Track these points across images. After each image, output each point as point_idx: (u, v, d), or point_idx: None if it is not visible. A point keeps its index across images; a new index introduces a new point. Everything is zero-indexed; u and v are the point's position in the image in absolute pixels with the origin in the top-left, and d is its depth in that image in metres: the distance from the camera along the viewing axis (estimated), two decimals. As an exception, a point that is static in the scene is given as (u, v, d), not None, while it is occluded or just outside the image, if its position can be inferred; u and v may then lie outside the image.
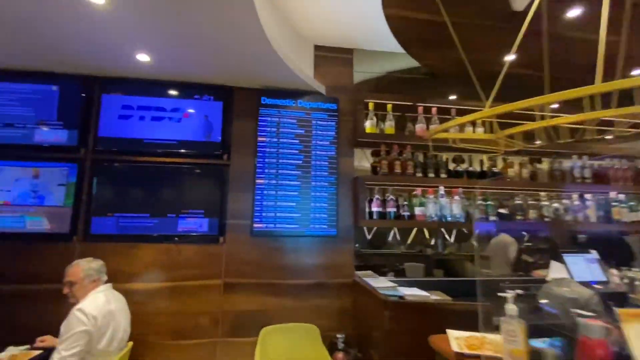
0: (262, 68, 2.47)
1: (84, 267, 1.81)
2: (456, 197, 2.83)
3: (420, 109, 2.89)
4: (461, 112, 2.88)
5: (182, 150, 2.63)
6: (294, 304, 2.63)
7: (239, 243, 2.63)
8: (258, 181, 2.65)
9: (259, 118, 2.72)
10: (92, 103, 2.61)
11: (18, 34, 2.09)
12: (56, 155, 2.51)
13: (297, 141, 2.75)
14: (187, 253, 2.57)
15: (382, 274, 3.25)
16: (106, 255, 2.47)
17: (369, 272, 3.18)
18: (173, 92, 2.69)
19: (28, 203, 2.42)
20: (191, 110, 2.68)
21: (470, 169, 3.02)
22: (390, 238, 4.90)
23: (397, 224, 2.77)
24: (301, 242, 2.71)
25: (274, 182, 2.67)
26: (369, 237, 4.14)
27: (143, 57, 2.34)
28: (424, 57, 2.92)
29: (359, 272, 2.82)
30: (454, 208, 2.82)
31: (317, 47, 2.97)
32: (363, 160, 3.00)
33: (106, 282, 1.94)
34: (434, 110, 2.91)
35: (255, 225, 2.60)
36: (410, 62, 3.20)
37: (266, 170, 2.67)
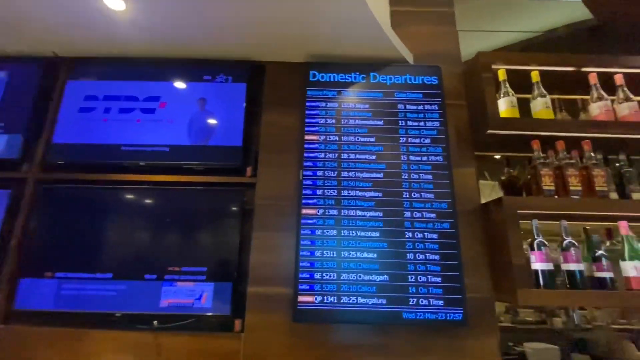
0: (318, 17, 1.42)
1: None
2: None
3: (592, 77, 1.60)
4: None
5: (177, 162, 1.56)
6: None
7: (271, 333, 1.37)
8: (305, 211, 1.45)
9: (307, 104, 1.61)
10: (50, 94, 1.71)
11: None
12: (-19, 174, 1.58)
13: (372, 139, 1.56)
14: (174, 354, 1.36)
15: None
16: (35, 350, 1.36)
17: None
18: (170, 74, 1.71)
19: None
20: (196, 99, 1.66)
21: None
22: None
23: (594, 298, 1.30)
24: (395, 334, 1.36)
25: (333, 213, 1.45)
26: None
27: (115, 3, 1.41)
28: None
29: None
30: None
31: (395, 1, 1.90)
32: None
33: None
34: (618, 78, 1.59)
35: (301, 298, 1.34)
36: (545, 20, 1.99)
37: (319, 192, 1.48)
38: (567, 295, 1.28)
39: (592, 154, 1.49)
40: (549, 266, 1.34)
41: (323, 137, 1.56)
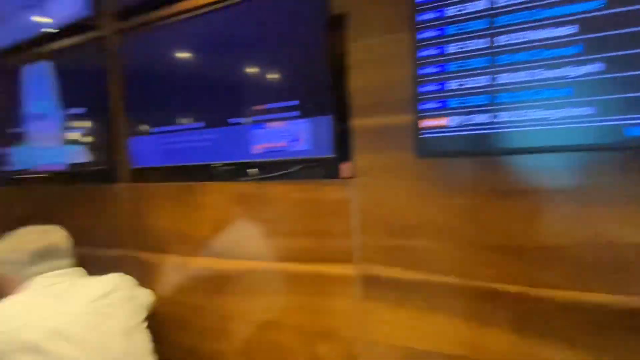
0: None
1: None
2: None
3: None
4: None
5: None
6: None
7: (389, 178, 1.04)
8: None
9: None
10: None
11: None
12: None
13: None
14: (277, 203, 1.23)
15: None
16: (155, 206, 1.49)
17: None
18: None
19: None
20: None
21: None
22: None
23: None
24: (607, 168, 0.82)
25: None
26: None
27: None
28: None
29: None
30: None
31: None
32: None
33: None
34: None
35: (424, 122, 0.92)
36: None
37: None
38: None
39: None
40: None
41: None
